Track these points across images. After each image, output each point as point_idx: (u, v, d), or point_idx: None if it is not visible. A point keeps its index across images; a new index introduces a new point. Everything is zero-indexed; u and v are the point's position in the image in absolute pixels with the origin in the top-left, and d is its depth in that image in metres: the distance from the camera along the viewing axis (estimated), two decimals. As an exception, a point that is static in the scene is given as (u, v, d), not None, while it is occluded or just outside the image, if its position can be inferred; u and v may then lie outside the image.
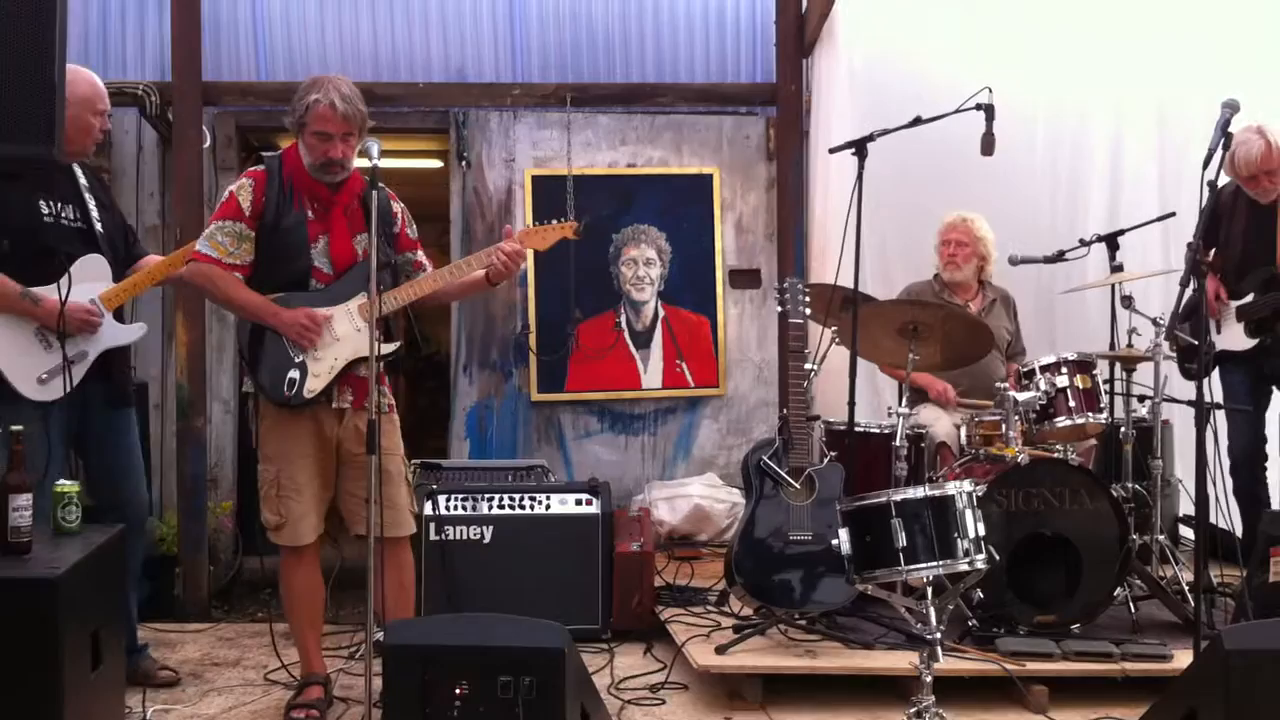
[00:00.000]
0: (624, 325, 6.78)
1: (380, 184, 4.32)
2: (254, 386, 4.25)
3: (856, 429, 5.06)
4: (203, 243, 4.21)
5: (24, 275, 4.23)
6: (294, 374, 4.17)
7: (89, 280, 4.38)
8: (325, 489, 4.28)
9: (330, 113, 4.09)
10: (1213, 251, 5.19)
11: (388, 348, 4.22)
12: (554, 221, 4.47)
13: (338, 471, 4.29)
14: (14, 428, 3.40)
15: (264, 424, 4.27)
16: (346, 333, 4.18)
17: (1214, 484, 4.59)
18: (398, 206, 4.45)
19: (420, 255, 4.47)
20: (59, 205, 4.39)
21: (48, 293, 4.24)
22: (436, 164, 7.66)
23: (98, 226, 4.48)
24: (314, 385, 4.16)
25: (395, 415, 4.37)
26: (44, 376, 4.24)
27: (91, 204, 4.50)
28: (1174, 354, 5.25)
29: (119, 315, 4.52)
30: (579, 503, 5.27)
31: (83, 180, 4.51)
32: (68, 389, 4.10)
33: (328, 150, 4.13)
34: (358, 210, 4.27)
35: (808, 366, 4.92)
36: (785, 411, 4.91)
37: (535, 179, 6.75)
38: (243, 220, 4.19)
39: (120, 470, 4.60)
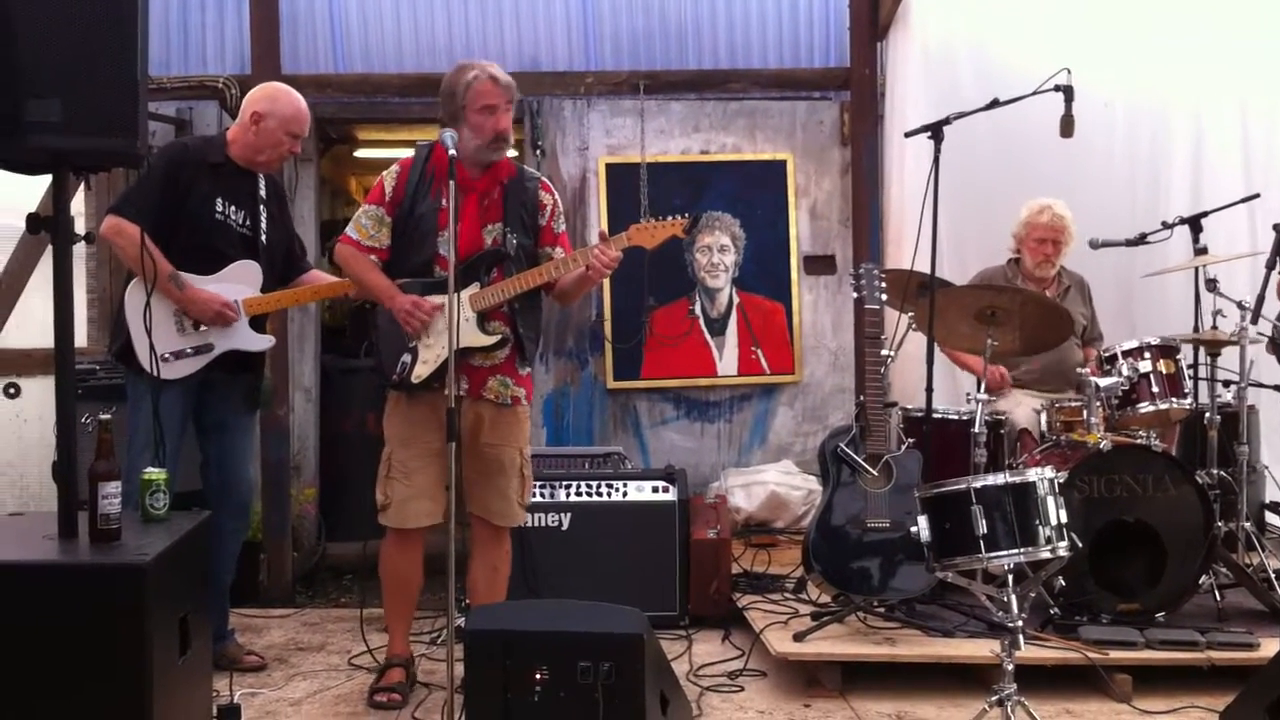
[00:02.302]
0: (698, 312, 6.77)
1: (536, 174, 4.46)
2: (374, 366, 4.37)
3: (934, 415, 5.04)
4: (350, 225, 4.36)
5: (183, 261, 4.43)
6: (406, 357, 4.25)
7: (239, 283, 4.56)
8: (443, 476, 4.15)
9: (492, 85, 4.20)
10: None
11: (488, 340, 4.24)
12: (667, 218, 4.33)
13: None
14: (103, 416, 3.47)
15: (387, 405, 4.40)
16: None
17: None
18: (549, 198, 4.42)
19: (559, 252, 4.37)
20: (233, 208, 4.57)
21: (195, 282, 4.45)
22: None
23: (263, 237, 4.65)
24: (421, 371, 4.23)
25: (522, 408, 4.40)
26: (167, 356, 4.38)
27: (263, 215, 4.66)
28: (1269, 348, 5.16)
29: (258, 326, 4.66)
30: (656, 490, 5.29)
31: (262, 191, 4.68)
32: (154, 370, 4.15)
33: (496, 123, 4.21)
34: (497, 200, 4.32)
35: (884, 353, 4.88)
36: (862, 398, 4.90)
37: (609, 167, 6.76)
38: (383, 205, 4.32)
39: (234, 459, 4.74)
